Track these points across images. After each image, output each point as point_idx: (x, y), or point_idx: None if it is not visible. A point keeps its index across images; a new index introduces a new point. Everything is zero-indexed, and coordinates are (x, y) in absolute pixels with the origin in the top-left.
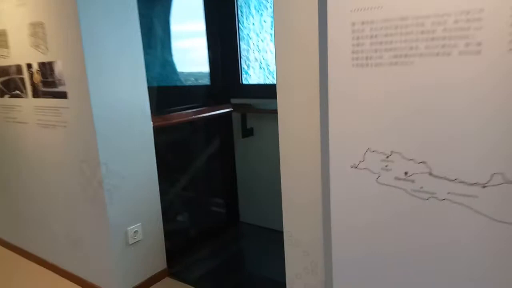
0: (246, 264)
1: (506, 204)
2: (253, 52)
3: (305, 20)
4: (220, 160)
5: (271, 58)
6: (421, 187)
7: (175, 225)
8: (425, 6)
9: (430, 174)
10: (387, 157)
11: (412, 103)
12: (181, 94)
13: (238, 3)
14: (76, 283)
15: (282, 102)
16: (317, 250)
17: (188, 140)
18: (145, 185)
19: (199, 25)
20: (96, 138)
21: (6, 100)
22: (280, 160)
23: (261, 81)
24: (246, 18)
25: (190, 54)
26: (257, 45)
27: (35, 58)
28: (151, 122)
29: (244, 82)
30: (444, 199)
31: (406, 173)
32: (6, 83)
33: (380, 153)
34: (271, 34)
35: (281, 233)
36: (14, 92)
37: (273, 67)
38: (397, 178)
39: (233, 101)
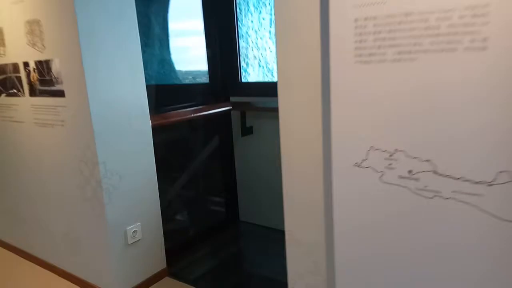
0: (246, 263)
1: None
2: (252, 50)
3: (307, 16)
4: (220, 159)
5: (270, 56)
6: (426, 186)
7: (174, 225)
8: (430, 1)
9: (435, 172)
10: (391, 155)
11: (416, 100)
12: (179, 93)
13: (237, 0)
14: (75, 284)
15: (283, 100)
16: (319, 250)
17: (187, 139)
18: (144, 184)
19: (197, 23)
20: (94, 137)
21: (3, 99)
22: (281, 159)
23: (260, 79)
24: (244, 15)
25: (188, 52)
26: (256, 43)
27: (32, 56)
28: (150, 121)
29: (243, 80)
30: (449, 198)
31: (410, 171)
32: (3, 82)
33: (384, 151)
34: (269, 32)
35: (281, 232)
36: (10, 91)
37: (272, 65)
38: (401, 177)
39: (232, 99)
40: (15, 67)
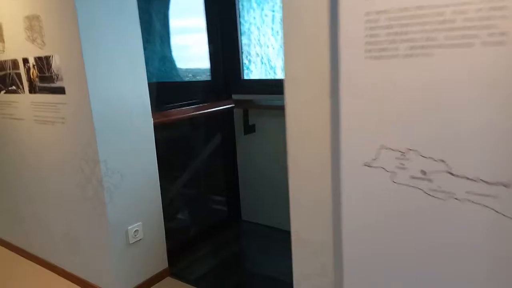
0: (248, 263)
1: None
2: (254, 47)
3: (315, 10)
4: (222, 157)
5: (272, 53)
6: (439, 187)
7: (176, 224)
8: None
9: (449, 172)
10: (403, 154)
11: (429, 97)
12: (181, 90)
13: None
14: (76, 283)
15: (290, 97)
16: (326, 251)
17: (189, 137)
18: (146, 183)
19: (199, 19)
20: (95, 134)
21: (2, 96)
22: (288, 158)
23: (262, 76)
24: (247, 12)
25: (190, 49)
26: (258, 40)
27: (32, 53)
28: (152, 119)
29: (246, 77)
30: (463, 199)
31: (423, 171)
32: (2, 79)
33: (395, 150)
34: (272, 29)
35: (283, 231)
36: (10, 88)
37: (274, 62)
38: (413, 177)
39: (235, 97)
40: (15, 63)
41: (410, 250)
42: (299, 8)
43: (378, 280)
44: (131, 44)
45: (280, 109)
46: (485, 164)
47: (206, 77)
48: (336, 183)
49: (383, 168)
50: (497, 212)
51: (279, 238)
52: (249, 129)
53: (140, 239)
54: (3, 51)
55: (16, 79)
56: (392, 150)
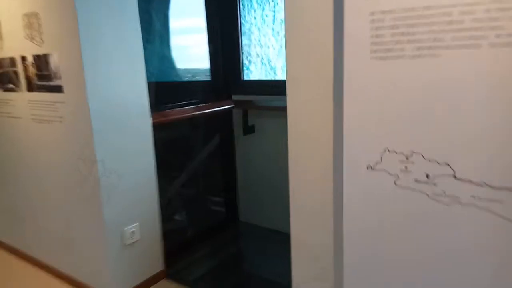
0: (246, 265)
1: None
2: (255, 47)
3: (319, 10)
4: (220, 158)
5: (273, 53)
6: (444, 191)
7: (173, 225)
8: None
9: (454, 177)
10: (407, 158)
11: (435, 100)
12: (180, 90)
13: None
14: (71, 285)
15: (292, 98)
16: (327, 255)
17: (187, 137)
18: (143, 183)
19: (200, 19)
20: (93, 134)
21: (0, 94)
22: (289, 160)
23: (262, 77)
24: (247, 12)
25: (190, 49)
26: (259, 40)
27: (30, 51)
28: (151, 119)
29: (246, 78)
30: (468, 204)
31: (427, 175)
32: (0, 77)
33: (399, 153)
34: (272, 29)
35: (281, 233)
36: (7, 86)
37: (274, 63)
38: (417, 181)
39: (234, 97)
40: (12, 61)
41: (413, 256)
42: (302, 8)
43: (379, 284)
44: (131, 43)
45: (280, 110)
46: (491, 168)
47: (206, 77)
48: (338, 186)
49: (387, 171)
50: (502, 217)
51: (277, 240)
52: (249, 129)
53: (137, 240)
54: (1, 48)
55: (14, 77)
56: (396, 152)
